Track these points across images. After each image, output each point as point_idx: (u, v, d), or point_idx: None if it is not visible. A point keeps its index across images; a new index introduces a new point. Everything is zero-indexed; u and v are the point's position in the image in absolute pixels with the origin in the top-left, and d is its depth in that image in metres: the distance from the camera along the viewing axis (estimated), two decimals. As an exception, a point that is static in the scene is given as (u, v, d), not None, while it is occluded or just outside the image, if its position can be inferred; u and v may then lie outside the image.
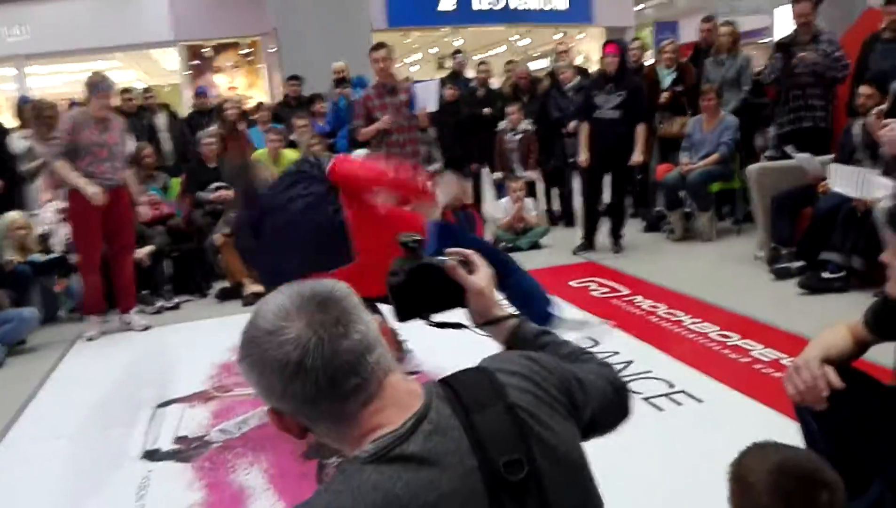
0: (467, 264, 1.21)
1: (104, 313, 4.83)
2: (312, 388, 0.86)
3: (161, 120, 6.95)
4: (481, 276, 1.19)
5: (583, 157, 5.68)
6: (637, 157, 5.61)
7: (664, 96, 6.34)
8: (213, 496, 2.65)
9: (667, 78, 6.46)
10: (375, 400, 0.90)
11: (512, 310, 1.28)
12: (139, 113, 6.83)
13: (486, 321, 1.20)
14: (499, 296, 1.23)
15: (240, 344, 0.91)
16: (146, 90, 7.48)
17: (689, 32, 11.78)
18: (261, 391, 0.91)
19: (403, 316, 1.17)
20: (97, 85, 4.56)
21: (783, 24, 8.97)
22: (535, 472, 0.90)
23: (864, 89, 4.72)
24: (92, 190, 4.42)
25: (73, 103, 7.13)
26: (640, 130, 5.59)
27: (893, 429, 1.62)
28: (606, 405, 1.11)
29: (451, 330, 1.21)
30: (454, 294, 1.18)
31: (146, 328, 4.83)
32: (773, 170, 5.16)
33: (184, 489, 2.71)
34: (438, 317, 1.20)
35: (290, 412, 0.91)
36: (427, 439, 0.88)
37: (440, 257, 1.20)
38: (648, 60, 7.70)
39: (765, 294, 4.40)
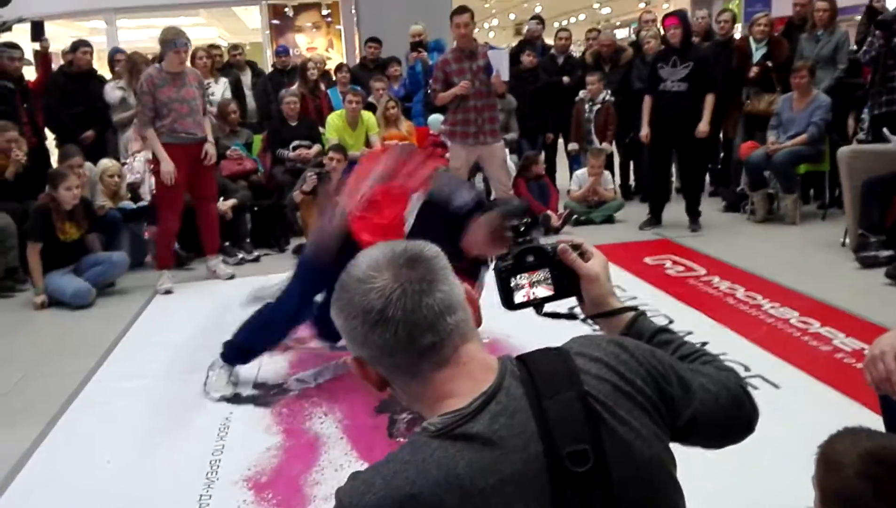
0: (580, 250, 1.14)
1: (172, 267, 4.97)
2: (391, 338, 0.89)
3: (247, 77, 7.09)
4: (596, 263, 1.13)
5: (644, 131, 5.62)
6: (703, 126, 5.45)
7: (753, 71, 6.12)
8: (289, 440, 2.76)
9: (757, 52, 6.23)
10: (450, 366, 0.91)
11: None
12: (225, 70, 6.98)
13: (600, 313, 1.14)
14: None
15: (335, 289, 0.95)
16: (234, 47, 7.62)
17: (782, 6, 11.27)
18: (345, 336, 0.95)
19: (511, 304, 1.11)
20: (173, 41, 4.57)
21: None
22: (603, 465, 0.88)
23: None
24: (165, 168, 4.56)
25: (156, 58, 7.33)
26: (709, 100, 5.47)
27: None
28: (716, 411, 1.03)
29: (562, 320, 1.16)
30: (566, 281, 1.12)
31: (231, 277, 5.00)
32: (866, 154, 4.93)
33: (262, 432, 2.84)
34: (549, 306, 1.13)
35: (370, 360, 0.94)
36: (493, 419, 0.87)
37: (552, 242, 1.15)
38: (737, 33, 7.41)
39: (849, 282, 4.25)
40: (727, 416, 1.05)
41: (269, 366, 3.46)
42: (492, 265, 1.17)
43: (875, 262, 4.41)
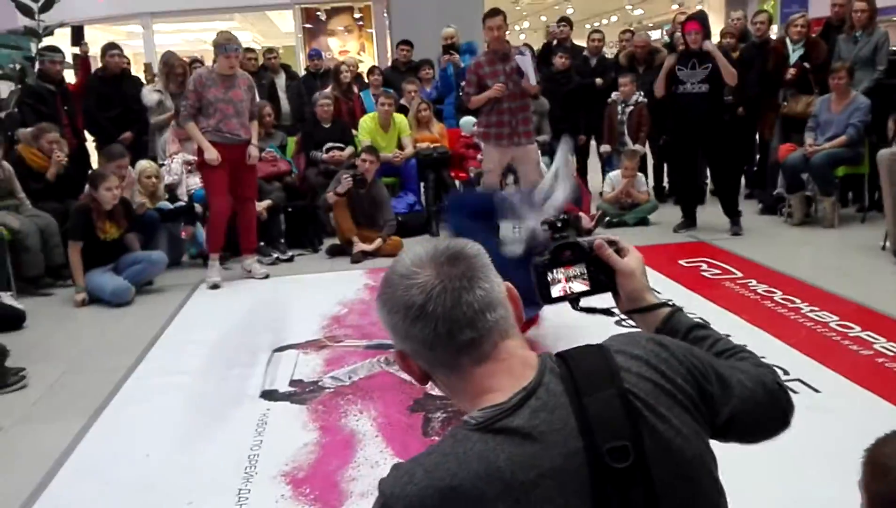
0: (616, 246, 1.15)
1: (221, 252, 5.09)
2: (431, 333, 0.91)
3: (281, 80, 7.18)
4: (631, 258, 1.14)
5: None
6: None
7: (790, 72, 6.04)
8: (326, 437, 2.79)
9: (794, 53, 6.14)
10: (489, 362, 0.93)
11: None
12: (260, 73, 7.07)
13: (636, 309, 1.14)
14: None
15: (380, 284, 0.98)
16: (269, 50, 7.71)
17: (820, 6, 11.10)
18: (388, 330, 0.97)
19: (548, 298, 1.12)
20: (225, 46, 4.74)
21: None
22: (643, 462, 0.88)
23: None
24: (210, 155, 4.68)
25: (193, 61, 7.47)
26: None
27: None
28: (754, 409, 1.03)
29: (598, 316, 1.15)
30: (602, 277, 1.13)
31: (266, 277, 5.07)
32: (908, 156, 4.84)
33: (299, 428, 2.87)
34: (586, 302, 1.14)
35: (412, 353, 0.96)
36: (533, 415, 0.88)
37: (588, 238, 1.15)
38: (773, 34, 7.33)
39: (890, 286, 4.18)
40: (764, 413, 1.05)
41: (304, 364, 3.50)
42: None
43: (917, 266, 4.33)
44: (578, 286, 1.12)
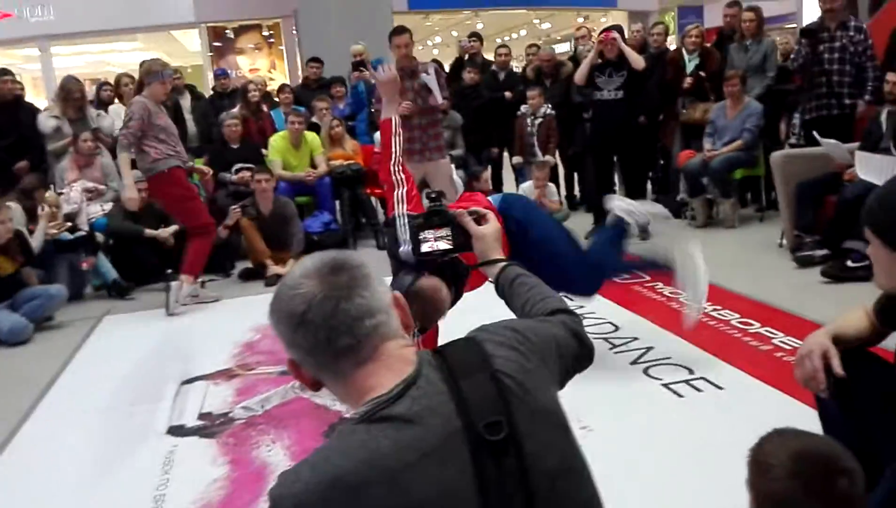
0: (476, 216, 1.45)
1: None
2: (312, 340, 0.97)
3: (186, 101, 6.99)
4: (487, 226, 1.44)
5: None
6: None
7: (687, 81, 6.29)
8: (236, 471, 2.70)
9: (690, 63, 6.40)
10: (369, 363, 0.99)
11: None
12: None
13: (482, 262, 1.43)
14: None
15: (272, 296, 1.03)
16: (173, 71, 7.49)
17: (714, 17, 11.66)
18: (279, 339, 1.02)
19: (418, 252, 1.43)
20: (161, 73, 4.70)
21: (810, 9, 8.83)
22: (515, 434, 0.96)
23: (891, 77, 4.66)
24: (129, 194, 4.67)
25: (102, 84, 7.20)
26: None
27: None
28: (574, 355, 1.23)
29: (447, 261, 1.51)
30: (463, 239, 1.43)
31: (217, 300, 5.00)
32: (798, 157, 5.11)
33: (208, 464, 2.77)
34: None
35: (300, 361, 1.01)
36: (414, 402, 0.95)
37: (456, 211, 1.46)
38: (671, 46, 7.63)
39: (787, 282, 4.38)
40: (578, 355, 1.24)
41: (214, 395, 3.38)
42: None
43: (811, 261, 4.55)
44: (443, 245, 1.42)
